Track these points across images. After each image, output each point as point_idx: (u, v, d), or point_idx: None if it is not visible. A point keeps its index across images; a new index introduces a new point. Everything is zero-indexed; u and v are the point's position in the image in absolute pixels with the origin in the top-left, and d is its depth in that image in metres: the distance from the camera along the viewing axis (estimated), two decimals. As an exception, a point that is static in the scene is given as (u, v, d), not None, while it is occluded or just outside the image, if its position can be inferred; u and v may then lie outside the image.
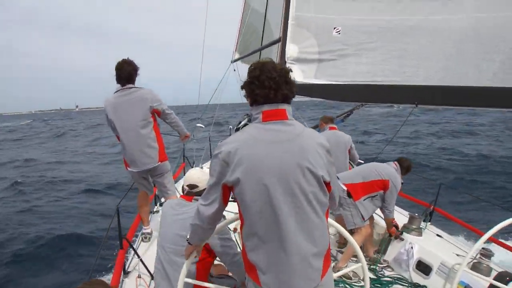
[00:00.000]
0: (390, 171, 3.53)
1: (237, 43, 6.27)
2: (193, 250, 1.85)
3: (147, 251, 3.24)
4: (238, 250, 2.18)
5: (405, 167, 3.67)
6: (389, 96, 4.33)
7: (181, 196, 2.41)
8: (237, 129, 5.78)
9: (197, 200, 2.25)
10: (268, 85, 1.50)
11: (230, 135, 5.75)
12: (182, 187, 2.42)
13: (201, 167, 5.17)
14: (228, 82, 5.69)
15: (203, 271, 2.16)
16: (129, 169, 3.33)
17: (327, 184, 1.55)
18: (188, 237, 1.80)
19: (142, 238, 3.45)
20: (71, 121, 69.34)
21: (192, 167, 4.76)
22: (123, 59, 3.19)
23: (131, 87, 3.18)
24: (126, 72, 3.12)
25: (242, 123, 5.90)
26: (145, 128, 3.18)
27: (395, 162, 3.69)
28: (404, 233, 3.77)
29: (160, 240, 2.26)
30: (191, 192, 2.34)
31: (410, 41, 3.96)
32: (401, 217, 4.21)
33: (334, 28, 4.29)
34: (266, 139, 1.48)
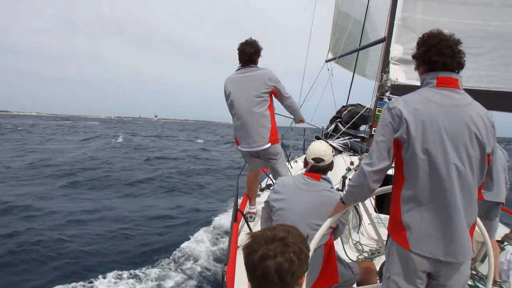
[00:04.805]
0: None
1: (330, 44, 6.37)
2: (345, 209, 1.82)
3: (254, 228, 3.30)
4: None
5: None
6: (494, 103, 4.23)
7: (305, 173, 2.17)
8: (326, 134, 5.94)
9: (325, 179, 2.16)
10: (446, 52, 1.55)
11: (322, 133, 5.93)
12: (305, 160, 2.26)
13: (296, 161, 5.23)
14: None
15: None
16: (239, 147, 3.34)
17: (488, 158, 1.56)
18: (342, 196, 1.79)
19: (248, 217, 3.48)
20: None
21: (288, 160, 4.81)
22: (246, 40, 3.25)
23: (252, 66, 3.25)
24: (247, 54, 3.21)
25: (332, 126, 6.03)
26: (260, 106, 3.16)
27: None
28: (505, 242, 3.67)
29: (283, 220, 2.02)
30: (317, 166, 2.13)
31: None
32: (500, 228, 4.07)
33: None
34: (439, 102, 1.53)
